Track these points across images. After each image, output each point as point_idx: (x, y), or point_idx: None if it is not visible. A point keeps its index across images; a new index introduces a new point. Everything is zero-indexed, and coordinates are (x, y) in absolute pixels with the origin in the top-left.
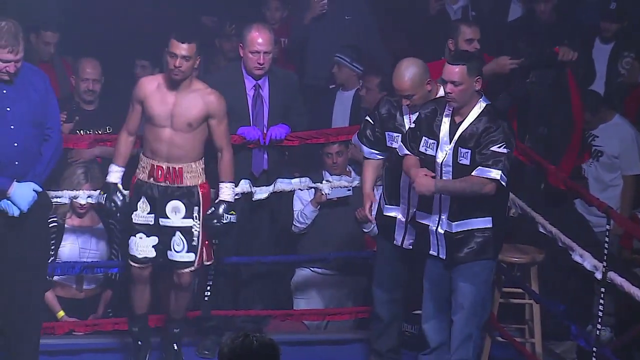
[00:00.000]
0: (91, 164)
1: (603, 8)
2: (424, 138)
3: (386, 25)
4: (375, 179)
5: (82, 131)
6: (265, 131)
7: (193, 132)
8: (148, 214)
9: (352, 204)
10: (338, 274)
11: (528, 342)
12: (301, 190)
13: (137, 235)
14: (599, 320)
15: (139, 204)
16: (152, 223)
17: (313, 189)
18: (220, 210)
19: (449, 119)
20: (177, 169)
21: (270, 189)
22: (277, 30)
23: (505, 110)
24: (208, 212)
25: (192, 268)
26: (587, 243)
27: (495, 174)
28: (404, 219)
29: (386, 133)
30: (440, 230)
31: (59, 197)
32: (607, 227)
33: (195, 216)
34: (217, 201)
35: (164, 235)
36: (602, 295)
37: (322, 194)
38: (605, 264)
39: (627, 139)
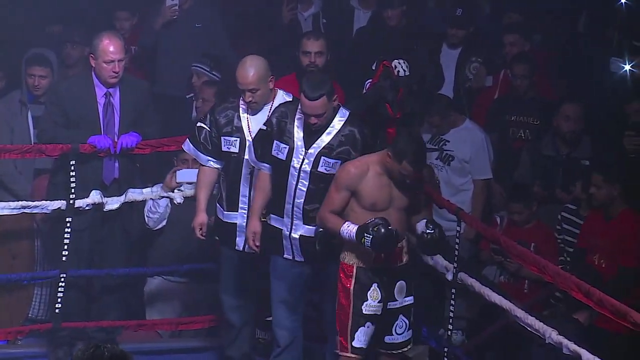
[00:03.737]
0: None
1: (450, 14)
2: (275, 142)
3: (238, 34)
4: (210, 191)
5: None
6: (116, 139)
7: (409, 213)
8: (378, 302)
9: None
10: (190, 281)
11: None
12: (153, 199)
13: (366, 325)
14: (450, 322)
15: (369, 293)
16: (380, 313)
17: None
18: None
19: (302, 124)
20: (398, 248)
21: (122, 199)
22: (128, 39)
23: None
24: None
25: (410, 346)
26: None
27: None
28: (244, 224)
29: (222, 138)
30: (295, 235)
31: None
32: (458, 228)
33: (412, 293)
34: None
35: (385, 320)
36: (452, 296)
37: (172, 177)
38: (456, 265)
39: (477, 143)
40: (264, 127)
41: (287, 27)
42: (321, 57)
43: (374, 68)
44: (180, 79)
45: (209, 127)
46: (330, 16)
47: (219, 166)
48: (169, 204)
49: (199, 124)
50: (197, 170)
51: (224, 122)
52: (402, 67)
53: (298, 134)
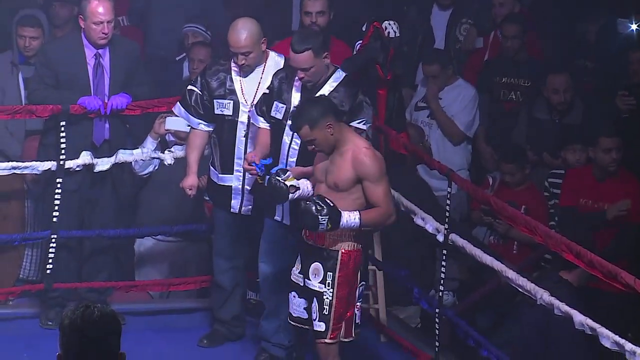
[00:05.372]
0: None
1: None
2: (275, 102)
3: None
4: (201, 153)
5: None
6: (106, 100)
7: (341, 193)
8: (299, 272)
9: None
10: (180, 240)
11: (372, 308)
12: (143, 160)
13: (292, 292)
14: (441, 283)
15: (296, 260)
16: (302, 284)
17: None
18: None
19: (300, 86)
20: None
21: (112, 160)
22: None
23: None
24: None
25: (325, 340)
26: (430, 208)
27: None
28: (240, 186)
29: (215, 101)
30: None
31: None
32: (448, 189)
33: (329, 283)
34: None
35: (310, 299)
36: (444, 257)
37: (161, 124)
38: (447, 226)
39: (467, 98)
40: (267, 92)
41: None
42: (323, 17)
43: (364, 29)
44: (172, 39)
45: (200, 90)
46: None
47: (210, 129)
48: (156, 149)
49: (189, 87)
50: (185, 123)
51: (216, 84)
52: (392, 28)
53: (295, 95)
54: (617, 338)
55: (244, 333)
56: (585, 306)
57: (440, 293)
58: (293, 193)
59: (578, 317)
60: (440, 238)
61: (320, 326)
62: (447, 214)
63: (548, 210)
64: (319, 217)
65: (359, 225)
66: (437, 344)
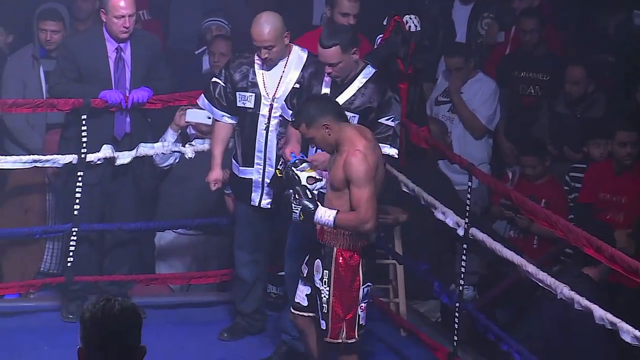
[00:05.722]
0: None
1: None
2: (304, 97)
3: None
4: (226, 146)
5: None
6: (127, 94)
7: (337, 192)
8: (305, 264)
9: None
10: (201, 233)
11: (392, 302)
12: (164, 154)
13: (300, 279)
14: (462, 277)
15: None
16: (305, 275)
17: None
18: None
19: (329, 82)
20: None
21: (133, 153)
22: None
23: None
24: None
25: (326, 339)
26: (450, 202)
27: (389, 151)
28: (260, 179)
29: (237, 93)
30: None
31: None
32: (469, 184)
33: (325, 281)
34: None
35: (314, 295)
36: (464, 252)
37: (182, 116)
38: (467, 220)
39: (487, 92)
40: (297, 86)
41: None
42: (356, 18)
43: (385, 24)
44: (193, 32)
45: (223, 83)
46: None
47: (233, 121)
48: (177, 142)
49: (213, 79)
50: (206, 116)
51: (239, 77)
52: (413, 22)
53: (325, 90)
54: (637, 333)
55: (264, 327)
56: (606, 301)
57: (461, 287)
58: (312, 184)
59: (598, 311)
60: (461, 232)
61: (322, 324)
62: (468, 208)
63: (568, 204)
64: (293, 206)
65: (333, 224)
66: (455, 338)
